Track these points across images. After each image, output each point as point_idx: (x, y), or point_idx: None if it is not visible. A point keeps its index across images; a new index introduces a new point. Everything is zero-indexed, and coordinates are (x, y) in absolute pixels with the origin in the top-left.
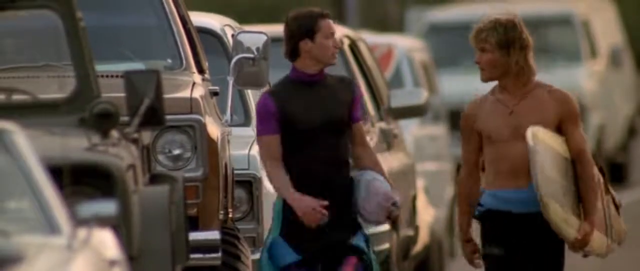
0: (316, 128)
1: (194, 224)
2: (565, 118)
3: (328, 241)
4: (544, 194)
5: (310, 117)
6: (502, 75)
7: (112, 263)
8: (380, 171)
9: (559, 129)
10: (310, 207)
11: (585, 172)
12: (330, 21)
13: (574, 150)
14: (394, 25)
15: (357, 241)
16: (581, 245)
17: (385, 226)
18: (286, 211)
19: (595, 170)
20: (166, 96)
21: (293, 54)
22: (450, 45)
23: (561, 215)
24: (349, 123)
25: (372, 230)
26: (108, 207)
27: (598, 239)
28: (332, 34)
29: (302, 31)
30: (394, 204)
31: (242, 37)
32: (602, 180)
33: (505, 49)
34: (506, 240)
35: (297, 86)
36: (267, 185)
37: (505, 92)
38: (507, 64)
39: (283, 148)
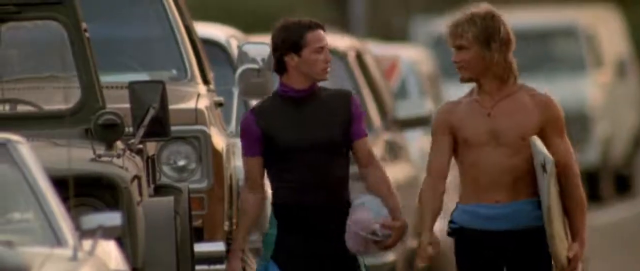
0: (302, 149)
1: (199, 235)
2: (548, 126)
3: None
4: (554, 210)
5: (295, 136)
6: (481, 73)
7: None
8: (385, 191)
9: (541, 138)
10: None
11: (572, 187)
12: (321, 32)
13: (559, 163)
14: (399, 34)
15: None
16: (572, 267)
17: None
18: (279, 241)
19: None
20: (171, 107)
21: (279, 67)
22: None
23: (561, 234)
24: (346, 142)
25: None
26: (113, 218)
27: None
28: (322, 47)
29: (287, 45)
30: (374, 233)
31: (247, 48)
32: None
33: (485, 43)
34: (483, 261)
35: (284, 102)
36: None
37: (484, 93)
38: (487, 60)
39: (270, 169)
